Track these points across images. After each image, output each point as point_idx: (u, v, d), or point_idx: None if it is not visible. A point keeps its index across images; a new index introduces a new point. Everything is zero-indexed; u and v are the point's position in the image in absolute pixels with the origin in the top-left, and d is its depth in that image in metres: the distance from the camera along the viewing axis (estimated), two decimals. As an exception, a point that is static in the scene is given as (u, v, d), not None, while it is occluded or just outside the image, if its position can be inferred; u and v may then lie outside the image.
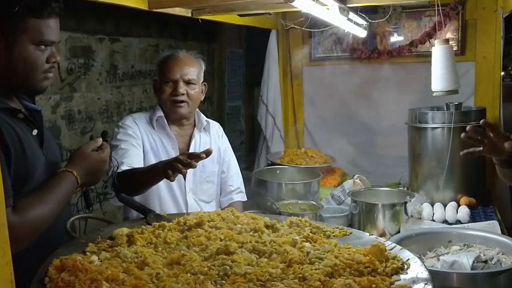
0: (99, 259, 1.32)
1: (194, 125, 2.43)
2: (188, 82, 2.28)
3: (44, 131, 1.60)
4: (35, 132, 1.56)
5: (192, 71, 2.30)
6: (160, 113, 2.33)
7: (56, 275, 1.15)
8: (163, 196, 2.31)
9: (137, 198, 2.21)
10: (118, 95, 4.02)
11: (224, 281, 1.18)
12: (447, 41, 2.32)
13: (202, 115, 2.45)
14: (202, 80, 2.38)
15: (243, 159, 5.19)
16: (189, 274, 1.21)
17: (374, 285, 1.17)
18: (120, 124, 2.31)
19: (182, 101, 2.27)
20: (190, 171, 2.33)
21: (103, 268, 1.18)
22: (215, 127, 2.53)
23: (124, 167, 2.11)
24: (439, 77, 2.27)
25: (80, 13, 3.53)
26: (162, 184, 2.23)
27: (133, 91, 4.19)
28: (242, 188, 2.60)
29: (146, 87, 4.31)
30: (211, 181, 2.44)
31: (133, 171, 2.11)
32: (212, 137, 2.48)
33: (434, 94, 2.31)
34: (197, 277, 1.19)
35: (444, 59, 2.26)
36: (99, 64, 3.78)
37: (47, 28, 1.47)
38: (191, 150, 2.33)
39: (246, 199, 2.60)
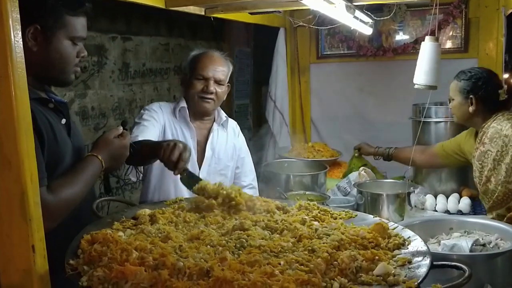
0: (125, 235, 1.42)
1: (213, 120, 2.51)
2: (218, 82, 2.36)
3: (70, 121, 1.72)
4: (63, 121, 1.67)
5: (224, 71, 2.39)
6: (183, 104, 2.41)
7: (88, 247, 1.25)
8: (178, 182, 2.40)
9: (153, 182, 2.32)
10: (129, 93, 4.08)
11: (241, 252, 1.30)
12: (437, 39, 2.43)
13: (222, 111, 2.54)
14: (227, 81, 2.45)
15: (251, 156, 5.25)
16: (208, 246, 1.32)
17: (377, 257, 1.27)
18: (146, 107, 2.40)
19: (211, 99, 2.36)
20: (205, 162, 2.42)
21: (131, 240, 1.29)
22: (232, 125, 2.62)
23: (139, 139, 2.14)
24: (423, 71, 2.36)
25: (93, 12, 3.62)
26: None
27: (144, 89, 4.25)
28: (255, 184, 2.69)
29: (157, 85, 4.38)
30: (224, 174, 2.51)
31: (142, 142, 2.07)
32: (228, 133, 2.56)
33: (415, 86, 2.42)
34: (216, 249, 1.30)
35: (431, 55, 2.35)
36: (112, 62, 3.85)
37: (80, 25, 1.62)
38: (209, 143, 2.44)
39: (257, 195, 2.69)
